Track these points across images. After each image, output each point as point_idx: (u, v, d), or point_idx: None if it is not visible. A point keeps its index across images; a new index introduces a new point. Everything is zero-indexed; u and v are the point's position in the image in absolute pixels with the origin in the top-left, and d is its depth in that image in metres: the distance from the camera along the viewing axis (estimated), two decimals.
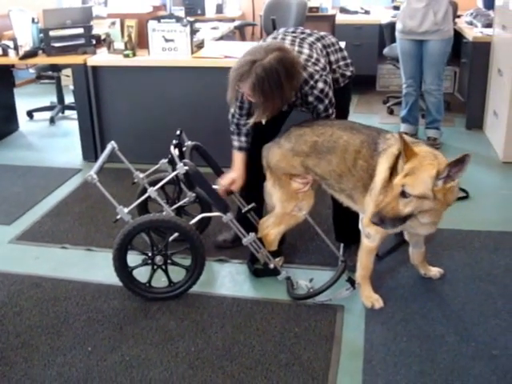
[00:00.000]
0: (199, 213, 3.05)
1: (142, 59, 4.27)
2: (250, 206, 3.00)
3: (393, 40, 5.10)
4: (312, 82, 2.60)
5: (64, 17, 4.49)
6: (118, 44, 4.38)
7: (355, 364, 2.34)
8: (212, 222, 3.27)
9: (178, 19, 4.18)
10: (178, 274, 2.77)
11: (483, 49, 4.88)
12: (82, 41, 4.46)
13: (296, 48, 2.67)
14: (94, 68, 4.31)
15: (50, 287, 2.88)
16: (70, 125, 5.52)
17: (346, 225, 3.00)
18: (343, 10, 6.66)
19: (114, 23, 4.43)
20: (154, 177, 3.11)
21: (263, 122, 2.68)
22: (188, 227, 2.71)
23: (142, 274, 2.76)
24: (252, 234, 2.75)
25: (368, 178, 2.53)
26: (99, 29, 4.77)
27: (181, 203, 3.13)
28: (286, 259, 3.04)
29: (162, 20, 4.16)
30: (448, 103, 5.49)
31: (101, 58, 4.39)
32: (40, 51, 4.49)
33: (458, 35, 5.16)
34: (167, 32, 4.15)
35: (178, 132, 2.94)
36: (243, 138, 2.86)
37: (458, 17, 5.54)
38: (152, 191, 2.82)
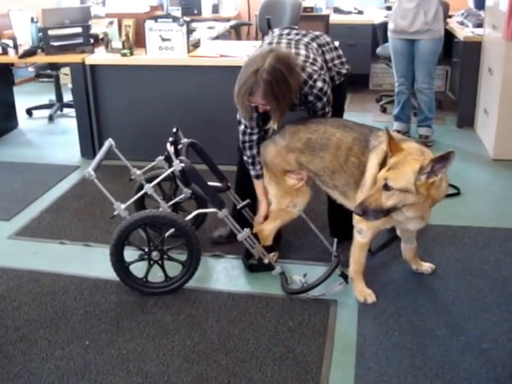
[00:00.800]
0: (195, 209, 3.07)
1: (139, 58, 4.29)
2: (244, 203, 3.05)
3: (385, 40, 5.13)
4: (311, 82, 2.64)
5: (63, 16, 4.51)
6: (116, 43, 4.40)
7: (348, 357, 2.36)
8: (208, 218, 3.29)
9: (175, 19, 4.20)
10: (174, 269, 2.79)
11: (474, 48, 4.92)
12: (80, 40, 4.49)
13: (293, 50, 2.70)
14: (92, 67, 4.33)
15: (49, 282, 2.90)
16: (69, 122, 5.53)
17: (340, 221, 3.03)
18: (337, 10, 6.68)
19: (111, 23, 4.45)
20: (150, 174, 3.13)
21: (275, 127, 2.72)
22: (184, 223, 2.73)
23: (138, 269, 2.78)
24: (247, 230, 2.78)
25: (359, 174, 2.57)
26: (97, 28, 4.79)
27: (177, 199, 3.15)
28: (281, 254, 3.06)
29: (158, 20, 4.18)
30: (440, 102, 5.52)
31: (99, 56, 4.41)
32: (39, 50, 4.52)
33: (449, 35, 5.19)
34: (164, 31, 4.17)
35: (175, 130, 2.96)
36: (258, 167, 2.88)
37: (450, 17, 5.57)
38: (149, 188, 2.85)
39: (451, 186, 3.67)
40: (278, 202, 2.88)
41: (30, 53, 4.48)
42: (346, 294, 2.73)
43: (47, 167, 4.47)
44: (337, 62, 2.91)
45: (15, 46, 4.49)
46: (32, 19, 4.53)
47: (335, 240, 2.96)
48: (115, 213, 2.77)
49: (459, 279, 2.87)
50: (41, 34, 4.46)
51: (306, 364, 2.32)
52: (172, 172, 2.86)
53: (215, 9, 6.85)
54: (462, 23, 5.41)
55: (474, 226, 3.39)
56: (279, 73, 2.46)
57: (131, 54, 4.32)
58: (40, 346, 2.44)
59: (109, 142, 3.03)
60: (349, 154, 2.60)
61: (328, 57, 2.87)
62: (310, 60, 2.68)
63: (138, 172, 3.09)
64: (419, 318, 2.58)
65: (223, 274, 2.98)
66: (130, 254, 2.78)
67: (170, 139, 2.89)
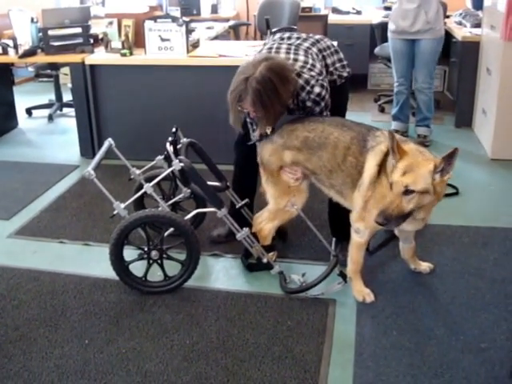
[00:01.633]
0: (194, 208, 3.07)
1: (138, 58, 4.30)
2: (243, 202, 3.06)
3: (384, 39, 5.14)
4: (308, 88, 2.65)
5: (62, 16, 4.52)
6: (116, 43, 4.40)
7: (346, 357, 2.37)
8: (207, 218, 3.30)
9: (174, 19, 4.20)
10: (173, 269, 2.80)
11: (472, 48, 4.93)
12: (80, 40, 4.49)
13: (291, 56, 2.72)
14: (92, 66, 4.34)
15: (48, 281, 2.90)
16: (68, 122, 5.54)
17: (340, 220, 3.03)
18: (335, 11, 6.69)
19: (111, 23, 4.46)
20: (150, 173, 3.13)
21: (269, 132, 2.74)
22: (183, 222, 2.74)
23: (138, 269, 2.79)
24: (246, 229, 2.79)
25: (357, 174, 2.58)
26: (97, 28, 4.80)
27: (176, 199, 3.17)
28: (279, 254, 3.07)
29: (158, 20, 4.19)
30: (438, 101, 5.52)
31: (98, 56, 4.41)
32: (39, 50, 4.52)
33: (447, 35, 5.17)
34: (163, 31, 4.18)
35: (174, 129, 2.96)
36: None
37: (448, 17, 5.57)
38: (148, 187, 2.85)
39: (450, 185, 3.68)
40: (276, 202, 2.88)
41: (30, 53, 4.49)
42: (344, 294, 2.74)
43: (47, 167, 4.47)
44: (338, 65, 2.92)
45: (15, 46, 4.50)
46: (32, 19, 4.53)
47: (334, 239, 2.96)
48: (115, 212, 2.78)
49: (458, 279, 2.87)
50: (41, 34, 4.46)
51: (304, 363, 2.32)
52: (171, 171, 2.86)
53: (214, 9, 6.88)
54: (460, 23, 5.42)
55: (473, 225, 3.40)
56: (269, 82, 2.48)
57: (131, 54, 4.33)
58: (40, 345, 2.45)
59: (108, 142, 3.03)
60: (346, 154, 2.60)
61: (329, 61, 2.89)
62: (308, 66, 2.69)
63: (138, 171, 3.09)
64: (417, 318, 2.59)
65: (222, 273, 2.99)
66: (129, 253, 2.78)
67: (170, 139, 2.89)
